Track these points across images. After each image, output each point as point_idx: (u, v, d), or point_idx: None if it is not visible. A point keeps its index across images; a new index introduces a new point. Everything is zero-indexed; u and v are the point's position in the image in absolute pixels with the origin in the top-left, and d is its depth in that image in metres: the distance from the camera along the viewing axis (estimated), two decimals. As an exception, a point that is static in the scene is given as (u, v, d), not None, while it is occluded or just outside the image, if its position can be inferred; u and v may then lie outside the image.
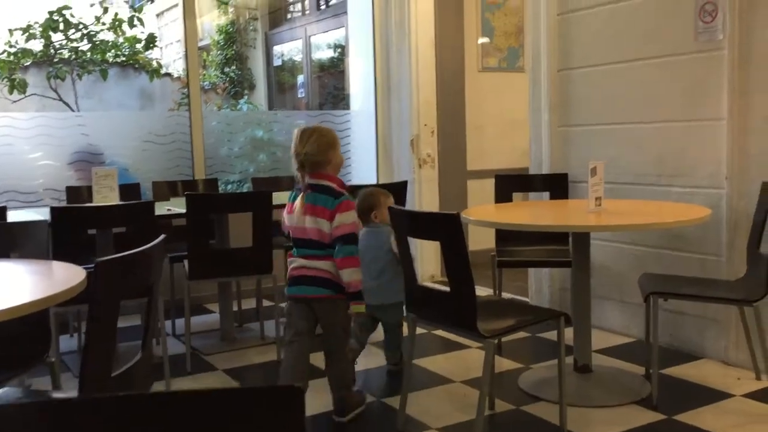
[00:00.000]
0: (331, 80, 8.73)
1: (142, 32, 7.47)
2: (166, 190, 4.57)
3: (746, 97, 3.17)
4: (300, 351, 2.81)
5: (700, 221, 2.86)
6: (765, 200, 2.97)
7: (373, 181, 5.75)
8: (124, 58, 7.95)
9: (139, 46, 7.71)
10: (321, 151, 2.74)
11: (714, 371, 3.28)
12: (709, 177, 3.38)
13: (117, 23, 7.09)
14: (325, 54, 8.84)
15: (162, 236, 1.77)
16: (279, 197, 4.02)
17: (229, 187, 5.80)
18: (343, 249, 2.69)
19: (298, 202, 2.77)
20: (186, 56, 5.11)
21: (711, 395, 3.00)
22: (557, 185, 4.02)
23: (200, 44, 9.47)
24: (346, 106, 6.62)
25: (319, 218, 2.71)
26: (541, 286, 4.33)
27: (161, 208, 3.77)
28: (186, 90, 5.35)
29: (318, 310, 2.79)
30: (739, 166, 3.23)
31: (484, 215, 3.16)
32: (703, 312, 3.43)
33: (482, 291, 4.61)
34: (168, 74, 8.55)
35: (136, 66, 8.01)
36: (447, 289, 2.55)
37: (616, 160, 3.77)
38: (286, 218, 2.83)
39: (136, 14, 7.15)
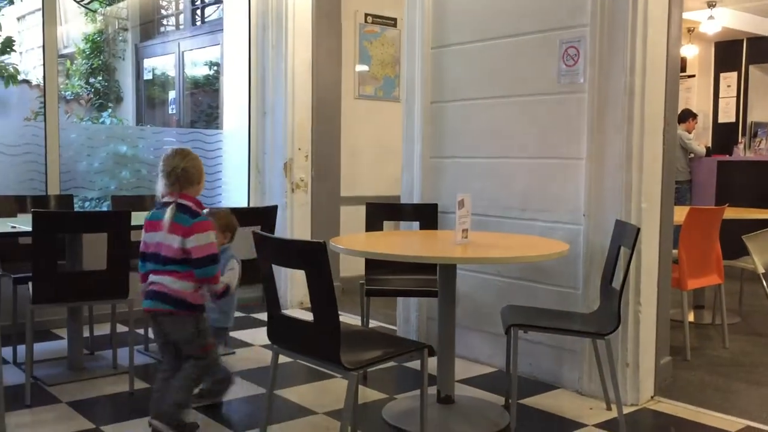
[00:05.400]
0: (204, 98, 8.49)
1: (-1, 35, 6.96)
2: (14, 205, 4.22)
3: (603, 138, 3.34)
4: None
5: (558, 256, 2.96)
6: (617, 237, 3.12)
7: (244, 204, 5.60)
8: (-24, 61, 7.36)
9: (-6, 49, 7.17)
10: (198, 172, 2.85)
11: (569, 401, 3.39)
12: (569, 213, 3.53)
13: (-30, 24, 6.55)
14: (199, 71, 8.59)
15: (-9, 259, 1.58)
16: (140, 217, 3.81)
17: (87, 204, 5.46)
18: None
19: (167, 218, 2.73)
20: (44, 63, 4.78)
21: (565, 425, 3.09)
22: (427, 215, 4.06)
23: (65, 52, 8.96)
24: (219, 126, 6.43)
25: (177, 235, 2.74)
26: (409, 314, 4.35)
27: (5, 225, 3.47)
28: (43, 98, 5.00)
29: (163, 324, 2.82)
30: (595, 204, 3.39)
31: (353, 244, 3.12)
32: (560, 343, 3.54)
33: (351, 318, 4.57)
34: (26, 81, 7.99)
35: (-10, 70, 7.44)
36: (310, 318, 2.47)
37: (484, 193, 3.86)
38: (147, 236, 2.82)
39: (-7, 15, 6.65)
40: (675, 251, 3.96)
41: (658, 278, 3.44)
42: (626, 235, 2.99)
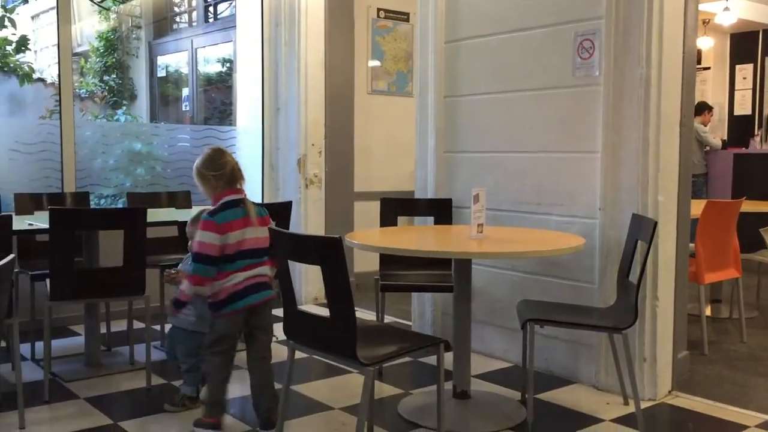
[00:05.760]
0: (218, 95, 8.51)
1: (14, 34, 7.00)
2: (31, 202, 4.24)
3: (619, 131, 3.32)
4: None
5: (574, 250, 2.94)
6: (634, 231, 3.10)
7: (258, 200, 5.61)
8: (-9, 60, 7.41)
9: (9, 48, 7.21)
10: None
11: (585, 396, 3.37)
12: (585, 207, 3.51)
13: (-15, 23, 6.61)
14: (212, 68, 8.61)
15: (11, 256, 1.60)
16: (156, 214, 3.83)
17: (103, 202, 5.49)
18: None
19: (253, 214, 2.86)
20: (59, 61, 4.81)
21: (582, 420, 3.07)
22: (442, 210, 4.06)
23: (79, 50, 9.01)
24: (232, 122, 6.45)
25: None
26: (424, 310, 4.34)
27: (22, 223, 3.50)
28: (58, 97, 5.03)
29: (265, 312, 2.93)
30: (611, 197, 3.37)
31: (368, 239, 3.12)
32: (576, 337, 3.53)
33: (365, 314, 4.57)
34: (41, 79, 8.04)
35: (6, 69, 7.49)
36: (326, 314, 2.48)
37: (498, 188, 3.85)
38: (240, 233, 2.81)
39: (8, 14, 6.69)
40: (692, 245, 3.93)
41: (676, 272, 3.42)
42: (643, 229, 2.97)
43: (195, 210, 3.54)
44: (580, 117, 3.51)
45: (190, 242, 3.20)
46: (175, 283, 3.09)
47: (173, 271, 3.11)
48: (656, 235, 3.16)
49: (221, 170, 2.85)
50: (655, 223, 2.90)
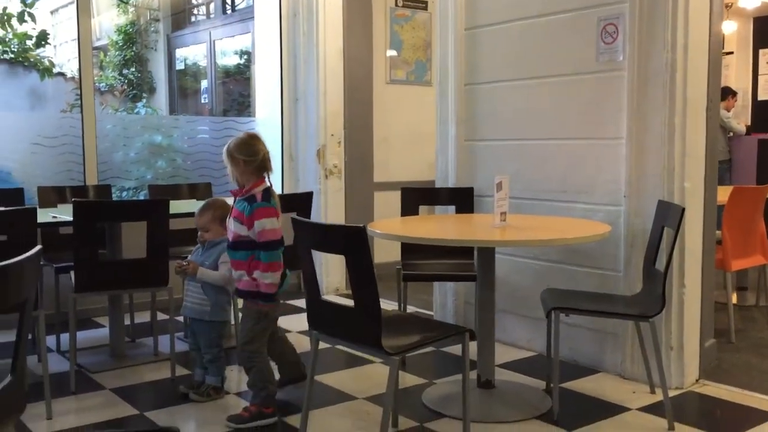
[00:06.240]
0: (236, 87, 8.51)
1: (34, 28, 7.05)
2: (54, 195, 4.27)
3: (644, 117, 3.27)
4: None
5: (599, 238, 2.91)
6: (660, 217, 3.06)
7: (278, 191, 5.61)
8: (12, 55, 7.47)
9: (30, 43, 7.26)
10: None
11: (611, 385, 3.34)
12: (609, 194, 3.46)
13: (5, 18, 6.65)
14: (230, 60, 8.62)
15: (38, 247, 1.60)
16: (178, 206, 3.84)
17: (125, 194, 5.52)
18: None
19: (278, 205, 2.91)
20: (79, 56, 4.83)
21: (608, 409, 3.05)
22: (463, 199, 4.03)
23: (98, 44, 9.06)
24: (251, 114, 6.45)
25: None
26: (445, 299, 4.32)
27: (46, 215, 3.52)
28: (79, 90, 5.06)
29: None
30: (636, 184, 3.32)
31: (390, 228, 3.11)
32: (601, 326, 3.49)
33: (387, 304, 4.55)
34: (61, 74, 8.10)
35: (26, 64, 7.55)
36: (351, 303, 2.47)
37: (520, 176, 3.81)
38: (279, 221, 2.89)
39: (27, 9, 6.73)
40: (718, 232, 3.87)
41: (702, 259, 3.37)
42: (670, 216, 2.93)
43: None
44: (603, 103, 3.46)
45: (199, 233, 3.20)
46: (186, 275, 3.10)
47: (184, 263, 3.12)
48: (683, 222, 3.12)
49: (253, 156, 2.86)
50: (683, 210, 2.85)
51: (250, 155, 2.86)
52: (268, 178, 2.92)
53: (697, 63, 3.24)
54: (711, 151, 3.39)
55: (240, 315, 3.10)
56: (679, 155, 3.19)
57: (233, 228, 2.89)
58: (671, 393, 3.15)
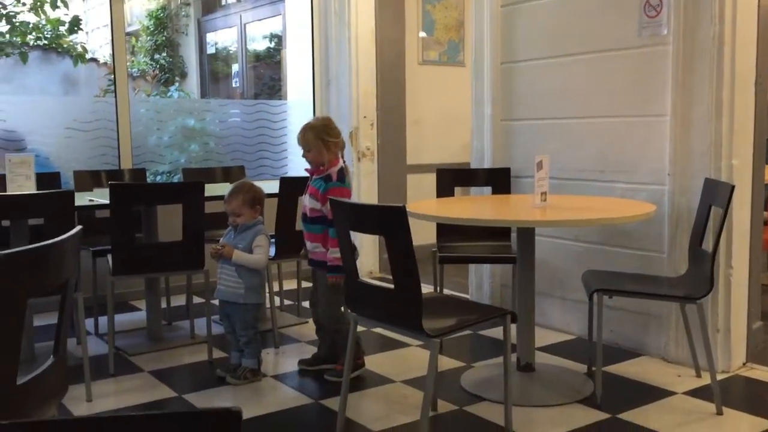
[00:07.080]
0: (267, 70, 8.48)
1: (66, 15, 7.06)
2: (89, 180, 4.29)
3: (689, 93, 3.16)
4: None
5: (645, 217, 2.83)
6: (707, 196, 2.96)
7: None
8: (46, 42, 7.51)
9: (62, 29, 7.29)
10: None
11: (655, 368, 3.26)
12: (652, 173, 3.37)
13: (39, 4, 6.67)
14: (261, 43, 8.58)
15: (78, 228, 1.58)
16: (212, 189, 3.82)
17: (159, 178, 5.53)
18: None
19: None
20: (112, 41, 4.83)
21: (653, 393, 2.97)
22: (500, 180, 3.96)
23: (129, 29, 9.08)
24: (282, 97, 6.41)
25: None
26: (481, 282, 4.26)
27: (83, 199, 3.53)
28: (112, 76, 5.06)
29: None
30: (681, 162, 3.22)
31: (428, 209, 3.05)
32: (643, 309, 3.41)
33: (422, 287, 4.51)
34: (94, 59, 8.13)
35: (60, 50, 7.59)
36: (390, 286, 2.42)
37: (559, 156, 3.72)
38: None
39: (60, -5, 6.74)
40: (766, 213, 3.75)
41: (750, 240, 3.26)
42: (718, 194, 2.83)
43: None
44: (646, 79, 3.36)
45: (230, 217, 3.18)
46: (222, 258, 3.09)
47: (219, 246, 3.10)
48: (731, 201, 3.02)
49: (339, 137, 3.12)
50: (733, 188, 2.75)
51: (338, 137, 3.11)
52: (343, 157, 3.12)
53: (745, 36, 3.12)
54: (759, 127, 3.27)
55: (269, 298, 3.28)
56: (727, 132, 3.08)
57: (308, 203, 3.10)
58: (718, 377, 3.05)
